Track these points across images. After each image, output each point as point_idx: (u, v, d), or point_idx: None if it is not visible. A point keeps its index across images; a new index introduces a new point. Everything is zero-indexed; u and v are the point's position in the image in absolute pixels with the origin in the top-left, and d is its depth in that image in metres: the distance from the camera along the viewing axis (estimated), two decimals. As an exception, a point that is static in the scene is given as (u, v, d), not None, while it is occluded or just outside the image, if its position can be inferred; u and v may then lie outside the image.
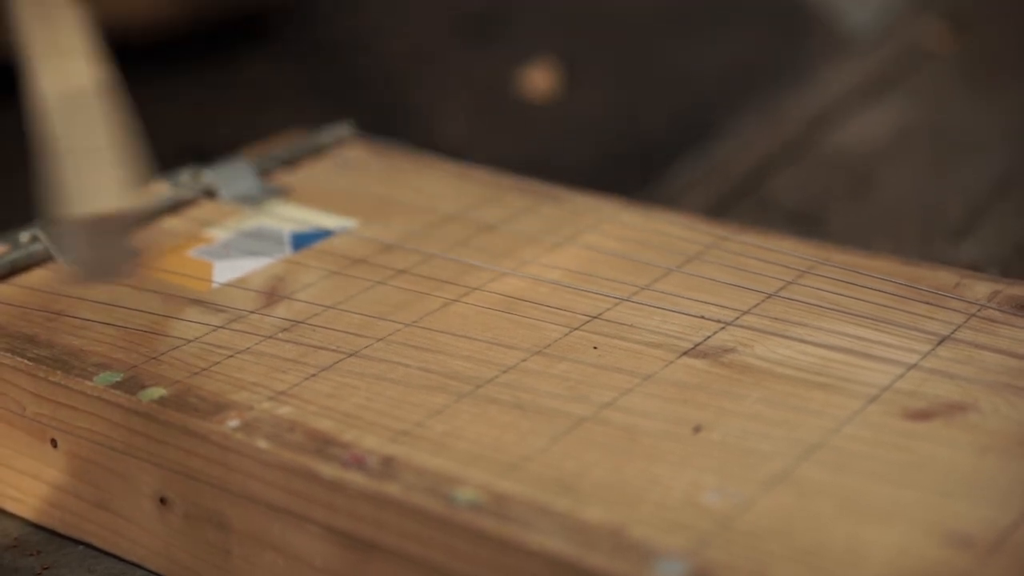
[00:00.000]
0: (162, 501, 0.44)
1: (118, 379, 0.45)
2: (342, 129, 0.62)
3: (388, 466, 0.40)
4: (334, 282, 0.51)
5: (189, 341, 0.47)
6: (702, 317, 0.47)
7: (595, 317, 0.48)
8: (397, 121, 0.81)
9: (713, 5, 1.02)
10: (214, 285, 0.51)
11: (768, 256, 0.51)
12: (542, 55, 0.88)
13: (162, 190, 0.57)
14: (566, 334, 0.47)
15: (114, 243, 0.41)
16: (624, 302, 0.49)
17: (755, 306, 0.48)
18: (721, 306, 0.48)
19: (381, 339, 0.47)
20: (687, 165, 0.74)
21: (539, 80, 0.86)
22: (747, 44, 0.95)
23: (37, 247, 0.52)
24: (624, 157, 0.79)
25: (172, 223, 0.55)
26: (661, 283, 0.50)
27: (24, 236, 0.53)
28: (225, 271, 0.52)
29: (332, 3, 0.99)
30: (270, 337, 0.47)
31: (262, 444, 0.42)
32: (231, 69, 0.89)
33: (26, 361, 0.46)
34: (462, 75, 0.90)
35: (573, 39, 0.95)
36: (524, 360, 0.45)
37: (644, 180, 0.73)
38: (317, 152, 0.61)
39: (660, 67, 0.91)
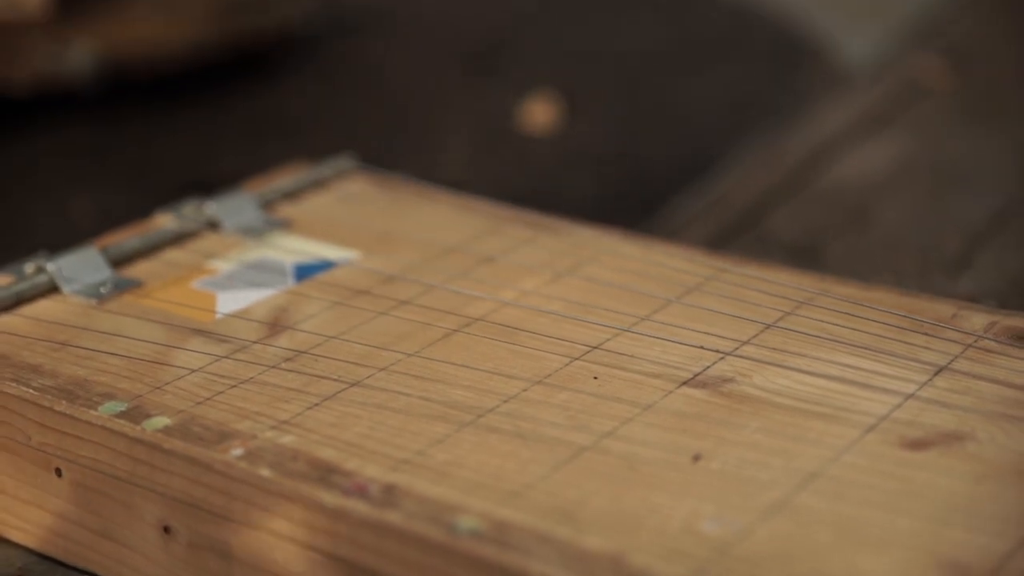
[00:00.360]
0: (166, 530, 0.44)
1: (122, 409, 0.45)
2: (344, 161, 0.63)
3: (390, 494, 0.41)
4: (336, 313, 0.51)
5: (193, 371, 0.47)
6: (701, 347, 0.48)
7: (595, 347, 0.48)
8: (399, 153, 0.82)
9: (712, 39, 1.03)
10: (218, 316, 0.51)
11: (767, 288, 0.51)
12: (543, 88, 0.89)
13: (166, 222, 0.57)
14: (566, 364, 0.47)
15: None
16: (624, 332, 0.49)
17: (754, 337, 0.48)
18: (720, 336, 0.48)
19: (383, 369, 0.47)
20: (687, 198, 0.75)
21: (540, 113, 0.86)
22: (746, 78, 0.96)
23: (42, 278, 0.52)
24: (624, 190, 0.79)
25: (176, 255, 0.56)
26: (661, 314, 0.50)
27: (29, 267, 0.53)
28: (228, 302, 0.52)
29: (334, 36, 1.00)
30: (273, 367, 0.47)
31: (265, 473, 0.42)
32: (233, 102, 0.89)
33: (31, 391, 0.46)
34: (463, 108, 0.91)
35: (573, 72, 0.95)
36: (525, 390, 0.46)
37: (644, 213, 0.73)
38: (319, 184, 0.61)
39: (660, 100, 0.91)
